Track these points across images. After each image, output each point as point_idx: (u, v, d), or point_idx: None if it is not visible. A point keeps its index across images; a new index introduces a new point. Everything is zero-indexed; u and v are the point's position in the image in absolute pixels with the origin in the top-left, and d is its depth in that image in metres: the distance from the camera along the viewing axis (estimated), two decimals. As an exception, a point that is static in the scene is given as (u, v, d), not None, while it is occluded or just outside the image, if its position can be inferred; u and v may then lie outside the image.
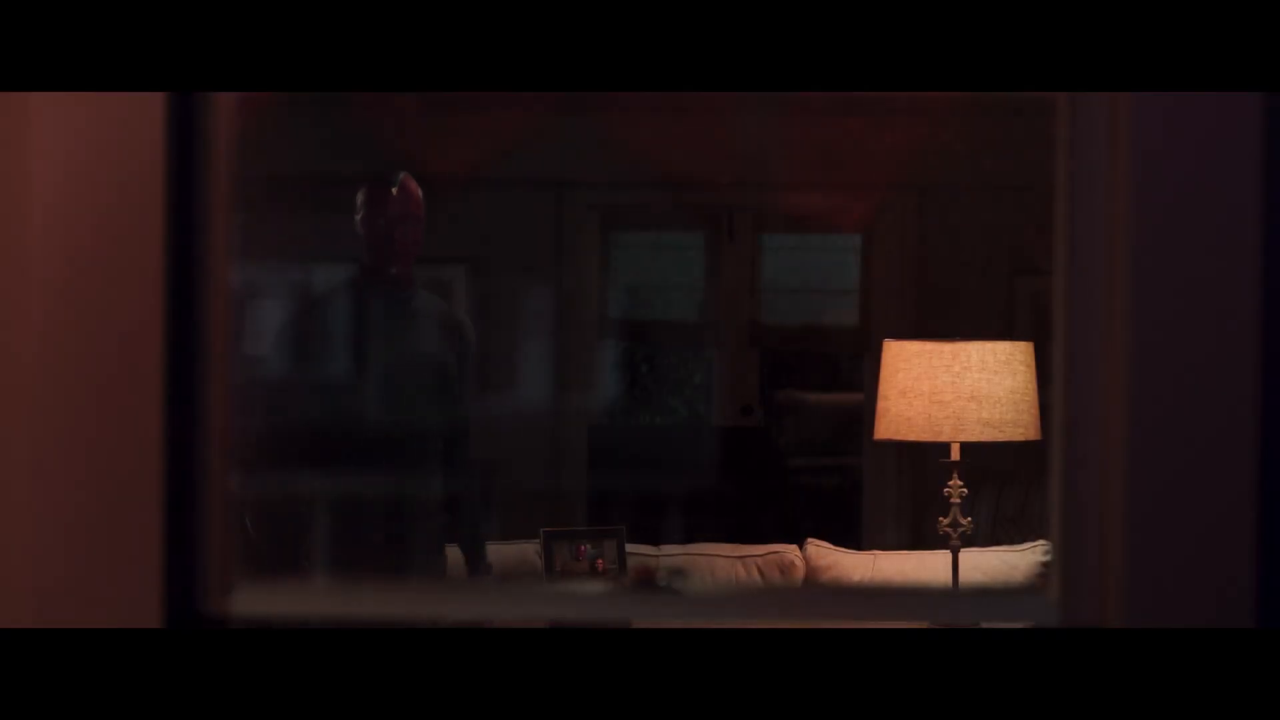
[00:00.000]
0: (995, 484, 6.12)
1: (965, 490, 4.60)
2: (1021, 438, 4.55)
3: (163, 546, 1.73)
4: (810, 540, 5.50)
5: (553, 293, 6.68)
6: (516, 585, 3.91)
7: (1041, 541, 5.19)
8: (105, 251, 1.72)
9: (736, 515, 6.68)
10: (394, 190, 4.31)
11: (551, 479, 6.59)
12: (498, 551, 4.71)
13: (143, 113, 1.72)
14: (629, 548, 5.08)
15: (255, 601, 1.79)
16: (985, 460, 4.95)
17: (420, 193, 4.36)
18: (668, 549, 5.35)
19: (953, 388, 4.54)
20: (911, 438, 4.66)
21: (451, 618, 2.09)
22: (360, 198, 4.35)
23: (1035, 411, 4.71)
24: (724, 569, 5.30)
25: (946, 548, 4.67)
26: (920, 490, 6.30)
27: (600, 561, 4.96)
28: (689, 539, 5.74)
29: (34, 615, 1.73)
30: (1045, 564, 4.99)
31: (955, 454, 4.61)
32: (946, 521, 4.61)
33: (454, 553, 4.46)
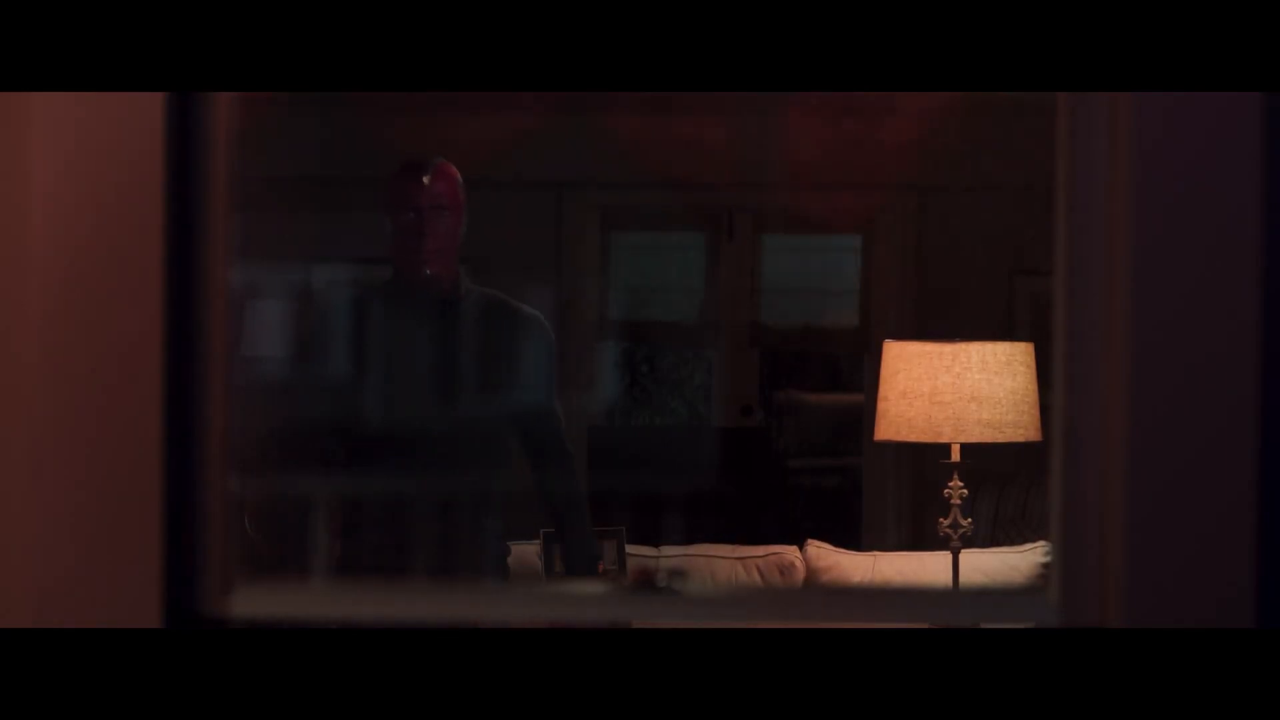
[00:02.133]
0: (995, 485, 6.12)
1: (965, 491, 4.60)
2: (1022, 439, 4.55)
3: (162, 547, 1.73)
4: (810, 541, 5.50)
5: (553, 293, 6.67)
6: (517, 585, 3.90)
7: (1042, 542, 5.19)
8: (105, 252, 1.72)
9: (736, 516, 6.68)
10: (425, 178, 3.76)
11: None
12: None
13: (142, 113, 1.72)
14: (629, 548, 5.08)
15: (255, 602, 1.79)
16: (986, 461, 4.95)
17: (457, 178, 3.81)
18: (668, 550, 5.34)
19: (953, 388, 4.54)
20: (912, 439, 4.66)
21: (453, 618, 2.09)
22: (389, 189, 3.80)
23: (1035, 412, 4.70)
24: (724, 570, 5.30)
25: (947, 549, 4.67)
26: (920, 491, 6.30)
27: (600, 562, 4.96)
28: (689, 540, 5.74)
29: (34, 615, 1.73)
30: (1045, 565, 4.99)
31: (955, 455, 4.61)
32: (947, 523, 4.61)
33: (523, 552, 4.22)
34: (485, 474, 3.86)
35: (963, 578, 4.65)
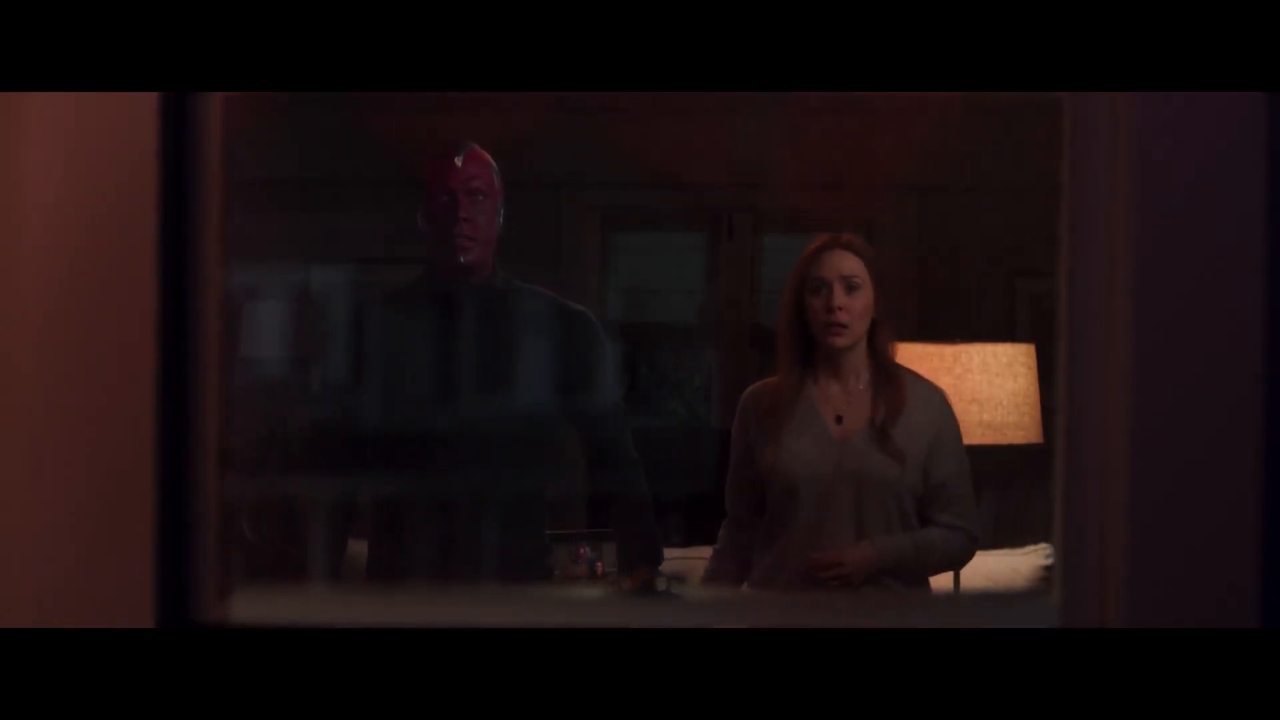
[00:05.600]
0: (996, 487, 6.12)
1: (965, 492, 4.59)
2: (1023, 440, 4.54)
3: (156, 551, 1.72)
4: (811, 542, 5.47)
5: (552, 293, 6.66)
6: (516, 587, 3.88)
7: (1043, 544, 5.18)
8: (100, 252, 1.72)
9: (737, 517, 6.67)
10: (458, 159, 3.54)
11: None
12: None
13: (137, 112, 1.71)
14: (628, 550, 5.07)
15: (250, 607, 1.79)
16: (987, 463, 4.95)
17: (492, 164, 3.59)
18: (667, 552, 5.33)
19: (954, 390, 4.54)
20: (912, 439, 4.64)
21: (452, 620, 2.08)
22: (425, 176, 3.58)
23: (1037, 414, 4.70)
24: (724, 571, 5.29)
25: (947, 550, 4.65)
26: (921, 492, 6.28)
27: (600, 564, 4.95)
28: (688, 542, 5.73)
29: (33, 617, 1.72)
30: (1047, 567, 4.99)
31: (956, 455, 4.60)
32: (947, 523, 4.59)
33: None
34: (522, 474, 3.64)
35: (964, 580, 4.64)
